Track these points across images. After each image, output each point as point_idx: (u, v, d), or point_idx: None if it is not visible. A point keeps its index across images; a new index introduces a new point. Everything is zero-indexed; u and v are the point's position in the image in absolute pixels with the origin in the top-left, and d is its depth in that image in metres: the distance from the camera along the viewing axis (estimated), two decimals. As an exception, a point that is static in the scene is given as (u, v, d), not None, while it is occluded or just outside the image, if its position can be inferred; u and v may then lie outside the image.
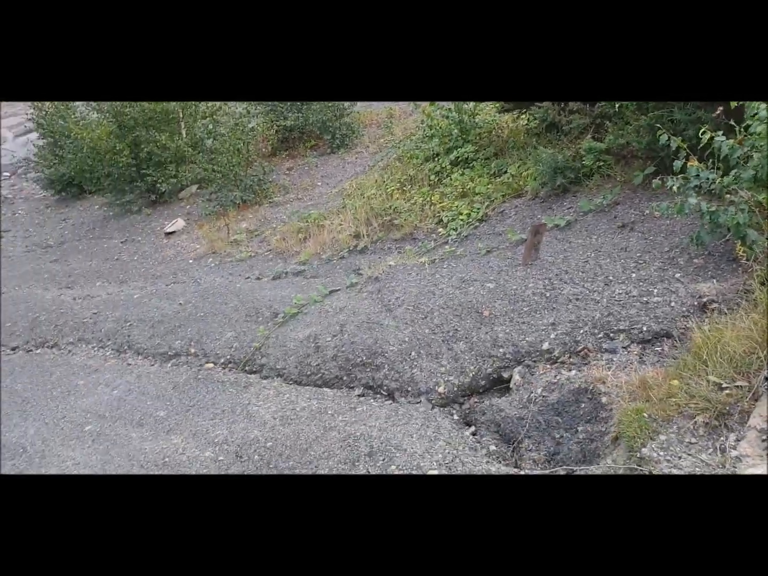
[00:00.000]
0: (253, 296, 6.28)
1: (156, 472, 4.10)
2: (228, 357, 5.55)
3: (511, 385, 4.20)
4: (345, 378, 4.79)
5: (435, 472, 3.43)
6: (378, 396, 4.57)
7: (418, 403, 4.36)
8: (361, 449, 3.79)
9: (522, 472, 3.39)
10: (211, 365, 5.55)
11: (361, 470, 3.61)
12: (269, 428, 4.27)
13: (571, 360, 4.09)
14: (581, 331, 4.19)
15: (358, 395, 4.60)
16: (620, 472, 3.02)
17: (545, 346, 4.24)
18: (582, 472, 3.23)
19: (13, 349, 7.00)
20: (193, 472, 4.00)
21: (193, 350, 5.81)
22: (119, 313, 6.85)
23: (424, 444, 3.75)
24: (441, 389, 4.36)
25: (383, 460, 3.64)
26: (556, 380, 3.96)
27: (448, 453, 3.62)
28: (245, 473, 3.87)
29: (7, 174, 14.98)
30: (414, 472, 3.46)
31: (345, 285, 5.96)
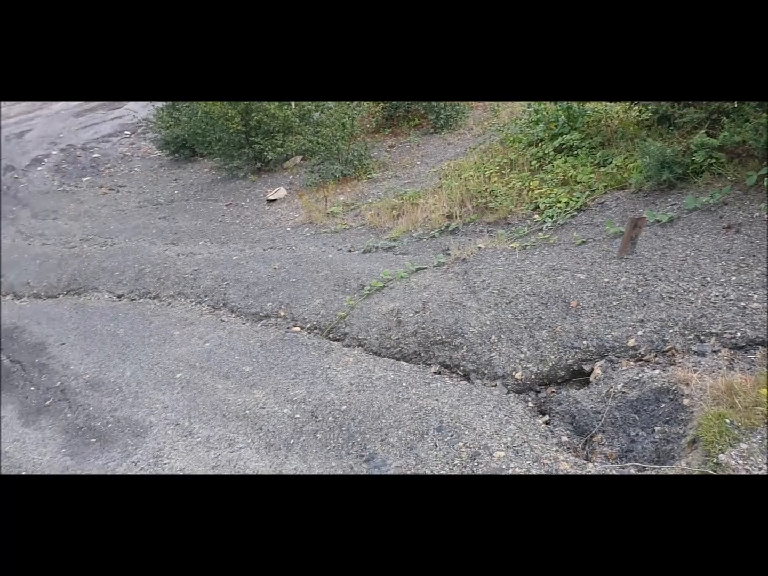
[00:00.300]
0: (343, 267, 6.42)
1: (236, 423, 4.33)
2: (314, 322, 5.73)
3: (590, 379, 4.12)
4: (423, 354, 4.85)
5: (502, 454, 3.45)
6: (453, 375, 4.60)
7: (493, 386, 4.35)
8: (431, 423, 3.85)
9: (589, 469, 3.34)
10: (298, 329, 5.76)
11: (429, 443, 3.67)
12: (345, 393, 4.41)
13: (656, 359, 3.96)
14: (670, 331, 4.05)
15: (434, 372, 4.64)
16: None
17: (631, 342, 4.13)
18: (654, 472, 3.16)
19: (119, 296, 7.50)
20: (271, 427, 4.19)
21: (282, 313, 6.03)
22: (218, 272, 7.19)
23: (495, 426, 3.76)
24: (518, 375, 4.34)
25: (451, 435, 3.69)
26: (638, 377, 3.86)
27: (518, 437, 3.62)
28: (318, 430, 4.02)
29: (128, 133, 15.91)
30: (480, 452, 3.48)
31: (432, 264, 6.00)
